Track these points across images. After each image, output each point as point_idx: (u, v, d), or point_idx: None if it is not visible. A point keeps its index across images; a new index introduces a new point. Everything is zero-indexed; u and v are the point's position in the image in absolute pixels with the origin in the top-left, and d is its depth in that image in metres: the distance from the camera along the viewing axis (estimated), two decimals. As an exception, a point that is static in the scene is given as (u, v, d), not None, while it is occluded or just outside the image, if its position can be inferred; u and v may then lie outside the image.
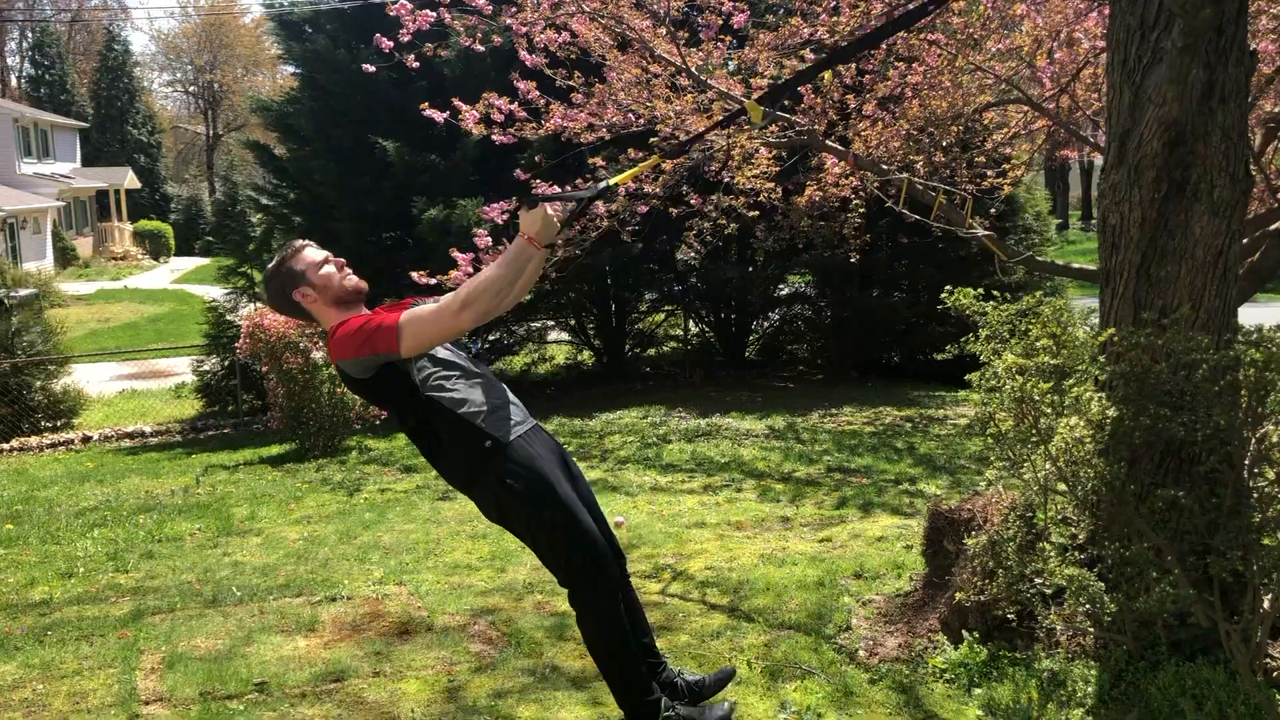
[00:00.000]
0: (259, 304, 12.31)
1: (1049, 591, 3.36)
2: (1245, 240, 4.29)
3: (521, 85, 6.35)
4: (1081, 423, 3.20)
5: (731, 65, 6.92)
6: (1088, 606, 3.08)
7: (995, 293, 3.65)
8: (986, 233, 5.42)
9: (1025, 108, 6.90)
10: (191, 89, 57.14)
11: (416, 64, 6.31)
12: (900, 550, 5.16)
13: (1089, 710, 3.17)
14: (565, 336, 15.63)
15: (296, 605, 4.85)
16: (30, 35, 47.23)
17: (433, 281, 6.20)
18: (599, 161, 7.09)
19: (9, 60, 51.76)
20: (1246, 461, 3.07)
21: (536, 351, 15.27)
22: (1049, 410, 3.24)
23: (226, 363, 13.05)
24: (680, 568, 5.16)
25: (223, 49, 54.36)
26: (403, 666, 3.99)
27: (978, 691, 3.41)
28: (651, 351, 15.80)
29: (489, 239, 6.42)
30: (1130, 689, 3.18)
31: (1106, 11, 4.12)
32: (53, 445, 11.98)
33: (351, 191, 12.74)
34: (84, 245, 35.17)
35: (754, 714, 3.41)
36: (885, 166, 6.31)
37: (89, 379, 14.53)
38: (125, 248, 37.11)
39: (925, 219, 5.34)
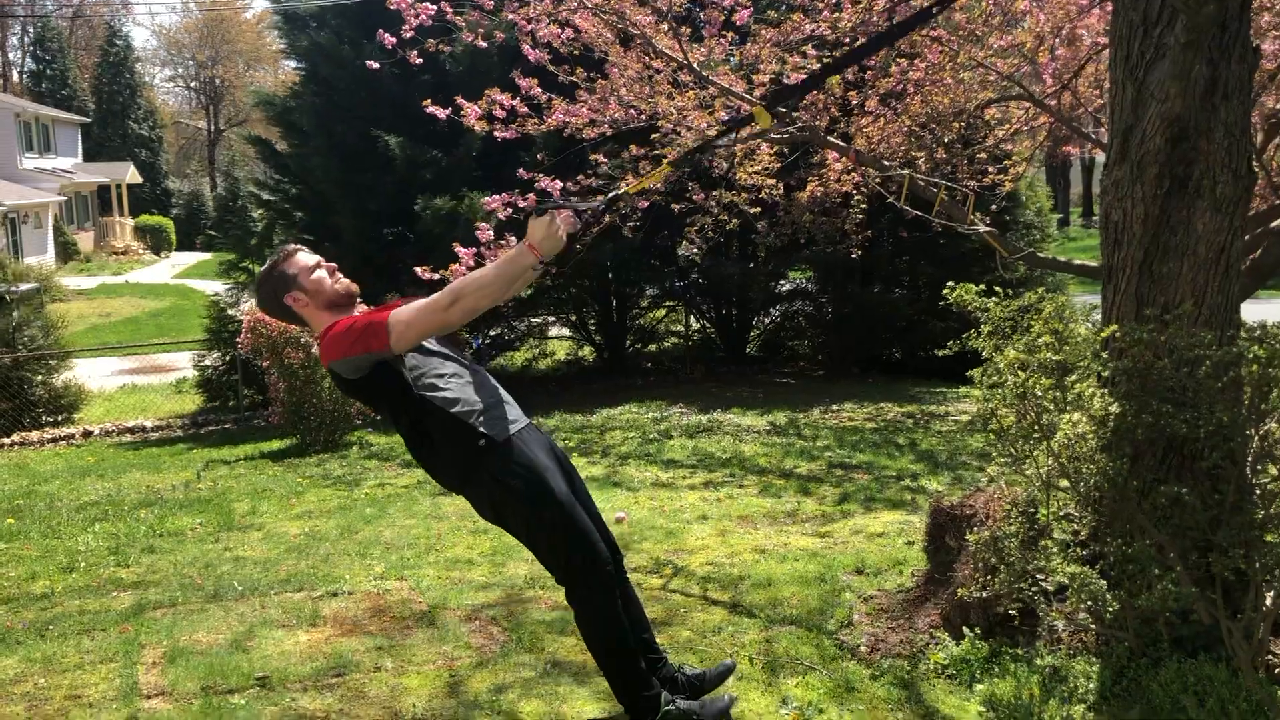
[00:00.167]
0: (259, 300, 12.30)
1: (1051, 588, 3.36)
2: (1247, 237, 4.29)
3: (523, 82, 6.35)
4: (1084, 419, 3.20)
5: (734, 61, 6.92)
6: (1090, 603, 3.08)
7: (997, 289, 3.65)
8: (988, 229, 5.42)
9: (1027, 104, 6.90)
10: (193, 84, 57.17)
11: (419, 60, 6.31)
12: (902, 546, 5.16)
13: (1090, 707, 3.17)
14: (566, 332, 15.63)
15: (298, 600, 4.86)
16: (32, 30, 47.25)
17: (435, 277, 6.20)
18: (600, 158, 7.09)
19: (10, 55, 51.78)
20: (1249, 458, 3.07)
21: (537, 347, 15.27)
22: (1051, 406, 3.24)
23: (228, 358, 13.06)
24: (681, 563, 5.17)
25: (224, 44, 54.39)
26: (404, 661, 3.99)
27: (979, 687, 3.42)
28: (652, 347, 15.79)
29: (491, 233, 6.41)
30: (1132, 685, 3.18)
31: (1109, 8, 4.12)
32: (53, 440, 11.98)
33: (354, 188, 12.74)
34: (85, 240, 35.19)
35: (755, 709, 3.41)
36: (887, 162, 6.31)
37: (90, 374, 14.54)
38: (126, 243, 37.15)
39: (927, 215, 5.34)
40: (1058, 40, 6.46)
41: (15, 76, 50.45)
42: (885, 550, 5.12)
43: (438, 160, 12.34)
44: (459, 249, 6.60)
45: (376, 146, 12.39)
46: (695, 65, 6.03)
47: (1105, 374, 3.27)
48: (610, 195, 3.21)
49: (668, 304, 15.35)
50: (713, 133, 6.20)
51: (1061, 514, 3.43)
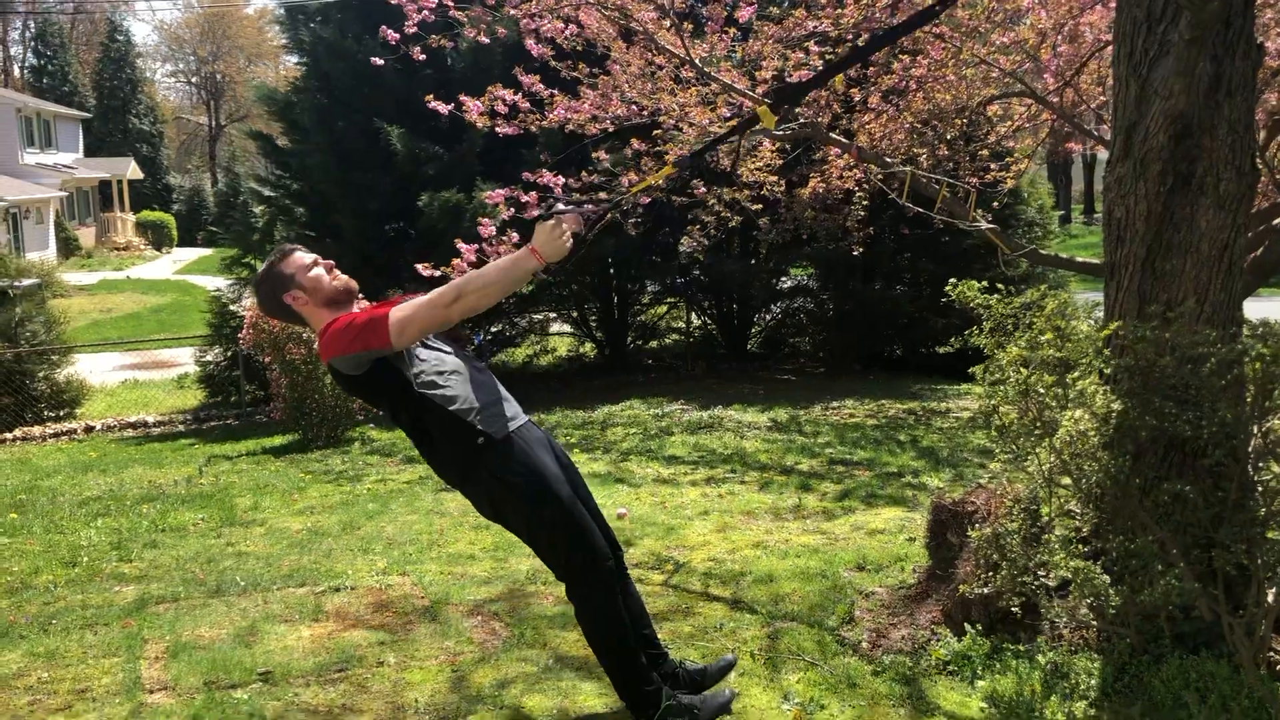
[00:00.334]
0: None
1: (1053, 584, 3.36)
2: (1249, 234, 4.30)
3: (526, 78, 6.35)
4: (1086, 416, 3.20)
5: (736, 58, 6.92)
6: (1092, 599, 3.09)
7: (999, 286, 3.65)
8: (989, 226, 5.42)
9: (1029, 101, 6.89)
10: (194, 80, 57.16)
11: (423, 56, 6.31)
12: (903, 543, 5.16)
13: (1092, 703, 3.17)
14: (568, 328, 15.63)
15: (300, 595, 4.86)
16: (33, 25, 47.23)
17: (437, 274, 6.20)
18: (602, 155, 7.09)
19: (12, 50, 51.77)
20: (1251, 455, 3.07)
21: (539, 343, 15.27)
22: (1053, 403, 3.25)
23: (229, 353, 13.06)
24: (683, 559, 5.17)
25: (225, 39, 54.38)
26: (407, 656, 4.00)
27: (981, 683, 3.42)
28: (654, 344, 15.79)
29: (493, 229, 6.41)
30: (1134, 682, 3.19)
31: (1112, 4, 4.12)
32: (55, 435, 11.99)
33: (354, 186, 12.72)
34: (87, 235, 35.22)
35: (756, 705, 3.42)
36: (889, 159, 6.30)
37: (92, 369, 14.55)
38: (128, 238, 37.17)
39: (928, 212, 5.34)
40: (1060, 37, 6.46)
41: (16, 72, 50.46)
42: (886, 546, 5.13)
43: (440, 156, 12.33)
44: (461, 245, 6.60)
45: (378, 143, 12.37)
46: (698, 61, 6.02)
47: (1107, 371, 3.27)
48: (614, 199, 3.22)
49: (669, 300, 15.35)
50: (715, 129, 6.20)
51: (1063, 510, 3.44)
